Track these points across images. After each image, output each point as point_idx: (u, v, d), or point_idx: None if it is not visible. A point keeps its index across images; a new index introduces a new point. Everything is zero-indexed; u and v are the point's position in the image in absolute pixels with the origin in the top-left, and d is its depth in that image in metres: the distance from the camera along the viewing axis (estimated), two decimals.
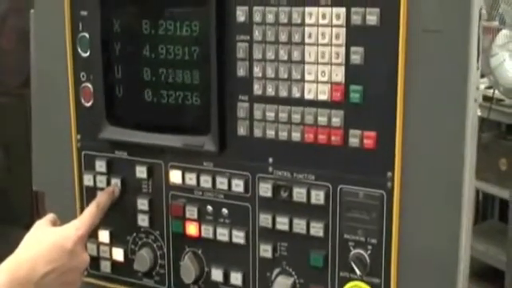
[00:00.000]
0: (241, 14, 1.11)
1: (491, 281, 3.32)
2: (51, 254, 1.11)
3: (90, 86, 1.25)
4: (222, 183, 1.17)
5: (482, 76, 2.86)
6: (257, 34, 1.10)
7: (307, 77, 1.08)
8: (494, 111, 3.12)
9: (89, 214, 1.20)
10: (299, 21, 1.07)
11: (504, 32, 2.89)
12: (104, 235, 1.29)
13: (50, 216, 1.22)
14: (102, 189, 1.27)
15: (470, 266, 1.08)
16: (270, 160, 1.13)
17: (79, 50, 1.25)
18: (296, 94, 1.09)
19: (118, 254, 1.28)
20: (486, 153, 3.17)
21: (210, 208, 1.19)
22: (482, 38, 1.02)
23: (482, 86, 2.96)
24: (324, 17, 1.06)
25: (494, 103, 3.11)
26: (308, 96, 1.09)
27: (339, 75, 1.06)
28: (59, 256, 1.12)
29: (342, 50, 1.05)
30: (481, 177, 3.14)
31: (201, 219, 1.20)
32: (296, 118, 1.10)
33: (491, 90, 3.05)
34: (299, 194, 1.11)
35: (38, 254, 1.11)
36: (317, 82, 1.08)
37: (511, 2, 2.80)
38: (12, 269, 1.08)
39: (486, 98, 3.00)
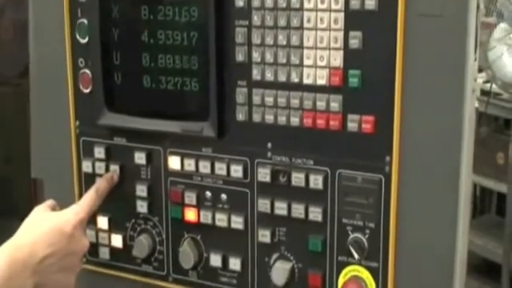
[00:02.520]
0: None
1: (489, 274, 3.33)
2: (51, 237, 1.11)
3: (88, 72, 1.25)
4: (220, 169, 1.17)
5: (480, 70, 2.86)
6: (255, 19, 1.10)
7: (306, 61, 1.08)
8: (491, 105, 3.12)
9: (88, 199, 1.20)
10: (298, 5, 1.07)
11: (502, 26, 2.89)
12: (103, 221, 1.29)
13: (49, 201, 1.21)
14: (100, 175, 1.26)
15: (468, 260, 1.08)
16: (269, 145, 1.13)
17: (78, 36, 1.25)
18: (295, 78, 1.09)
19: (117, 241, 1.28)
20: (484, 147, 3.18)
21: (208, 194, 1.19)
22: (479, 29, 1.02)
23: (480, 81, 2.96)
24: (323, 1, 1.05)
25: (492, 97, 3.12)
26: (307, 81, 1.09)
27: (338, 60, 1.06)
28: (59, 240, 1.11)
29: (341, 34, 1.05)
30: (478, 171, 3.15)
31: (199, 205, 1.20)
32: (295, 102, 1.10)
33: (489, 85, 3.05)
34: (298, 178, 1.11)
35: (37, 237, 1.10)
36: (315, 66, 1.08)
37: None
38: (11, 252, 1.07)
39: (483, 93, 3.01)
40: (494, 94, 3.14)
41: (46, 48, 1.30)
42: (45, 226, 1.13)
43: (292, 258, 1.15)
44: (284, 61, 1.10)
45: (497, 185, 3.31)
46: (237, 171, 1.16)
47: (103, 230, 1.29)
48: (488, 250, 3.34)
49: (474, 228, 3.31)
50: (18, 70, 2.47)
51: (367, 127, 1.06)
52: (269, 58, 1.10)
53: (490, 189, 3.50)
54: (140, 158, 1.23)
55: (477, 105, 1.06)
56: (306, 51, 1.08)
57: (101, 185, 1.23)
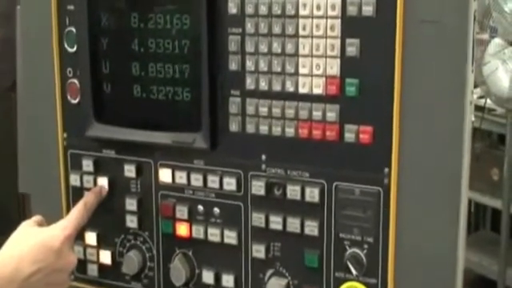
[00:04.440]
0: (232, 6, 1.09)
1: None
2: (37, 253, 1.09)
3: (76, 82, 1.23)
4: (213, 182, 1.15)
5: (475, 86, 2.86)
6: (249, 27, 1.08)
7: (301, 70, 1.06)
8: (485, 121, 3.13)
9: (76, 213, 1.17)
10: (293, 12, 1.05)
11: (497, 41, 2.89)
12: (91, 237, 1.26)
13: (36, 217, 1.19)
14: (88, 189, 1.24)
15: (463, 277, 1.06)
16: (263, 157, 1.11)
17: (66, 45, 1.23)
18: (290, 88, 1.07)
19: (106, 257, 1.26)
20: (478, 163, 3.17)
21: (200, 207, 1.17)
22: (475, 45, 1.01)
23: (475, 96, 2.96)
24: (319, 8, 1.04)
25: (486, 113, 3.12)
26: (302, 90, 1.07)
27: (334, 68, 1.04)
28: (46, 256, 1.09)
29: (338, 42, 1.04)
30: (473, 187, 3.13)
31: (191, 219, 1.18)
32: (290, 112, 1.08)
33: (483, 100, 3.05)
34: (293, 191, 1.09)
35: (23, 253, 1.08)
36: (311, 75, 1.06)
37: (503, 10, 2.80)
38: None
39: (477, 108, 3.00)
40: (488, 109, 3.14)
41: (33, 57, 1.28)
42: (31, 241, 1.10)
43: (287, 274, 1.12)
44: (279, 69, 1.08)
45: (491, 201, 3.31)
46: (230, 184, 1.14)
47: (91, 246, 1.27)
48: (483, 267, 3.32)
49: (469, 244, 3.27)
50: (6, 83, 2.46)
51: (365, 138, 1.04)
52: (263, 66, 1.08)
53: (485, 205, 3.49)
54: (130, 170, 1.21)
55: (472, 117, 1.04)
56: (301, 59, 1.06)
57: (89, 199, 1.20)
